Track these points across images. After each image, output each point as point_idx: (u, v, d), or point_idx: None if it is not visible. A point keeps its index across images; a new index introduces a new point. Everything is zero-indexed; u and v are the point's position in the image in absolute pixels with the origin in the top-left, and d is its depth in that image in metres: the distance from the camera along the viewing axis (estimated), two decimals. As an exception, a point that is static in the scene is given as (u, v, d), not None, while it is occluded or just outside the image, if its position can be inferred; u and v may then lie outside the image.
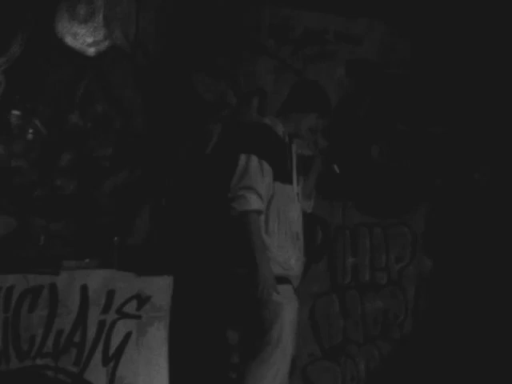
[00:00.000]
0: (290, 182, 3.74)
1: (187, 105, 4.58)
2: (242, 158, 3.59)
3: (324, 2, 4.70)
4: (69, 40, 4.39)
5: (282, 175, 3.68)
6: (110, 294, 3.81)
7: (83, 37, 4.41)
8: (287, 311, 3.56)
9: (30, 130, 4.30)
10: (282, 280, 3.58)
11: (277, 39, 4.77)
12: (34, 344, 3.67)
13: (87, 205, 4.35)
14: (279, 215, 3.64)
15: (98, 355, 3.77)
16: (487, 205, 5.09)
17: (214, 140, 4.65)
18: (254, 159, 3.57)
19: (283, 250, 3.63)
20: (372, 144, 4.98)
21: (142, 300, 3.86)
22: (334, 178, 4.01)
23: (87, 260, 4.03)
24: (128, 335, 3.83)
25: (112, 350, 3.80)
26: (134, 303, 3.84)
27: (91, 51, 4.43)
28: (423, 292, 5.12)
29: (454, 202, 5.14)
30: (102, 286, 3.80)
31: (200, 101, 4.60)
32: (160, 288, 3.91)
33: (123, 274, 3.87)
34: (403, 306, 5.09)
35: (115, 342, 3.80)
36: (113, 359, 3.79)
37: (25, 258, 3.87)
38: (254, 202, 3.50)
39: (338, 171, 3.92)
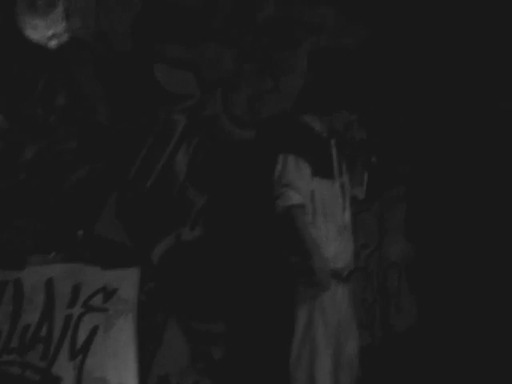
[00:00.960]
0: (331, 177, 3.88)
1: (150, 96, 4.56)
2: (281, 157, 3.81)
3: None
4: (29, 32, 4.34)
5: (321, 170, 3.83)
6: (76, 288, 3.79)
7: (43, 29, 4.36)
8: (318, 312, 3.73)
9: (-8, 125, 4.25)
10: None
11: (239, 28, 4.76)
12: (0, 340, 3.64)
13: (51, 199, 4.32)
14: (324, 209, 3.80)
15: (65, 349, 3.76)
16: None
17: (178, 131, 4.63)
18: (291, 158, 3.77)
19: (331, 243, 3.78)
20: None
21: (108, 293, 3.85)
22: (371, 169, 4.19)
23: (52, 254, 4.00)
24: (95, 329, 3.82)
25: (79, 344, 3.79)
26: (100, 296, 3.84)
27: (52, 44, 4.39)
28: (390, 277, 5.17)
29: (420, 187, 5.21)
30: (67, 279, 3.79)
31: (163, 92, 4.58)
32: (126, 280, 3.89)
33: (89, 267, 3.85)
34: (370, 292, 5.14)
35: (82, 335, 3.79)
36: (80, 353, 3.78)
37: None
38: (294, 197, 3.70)
39: (375, 162, 4.12)
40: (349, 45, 4.93)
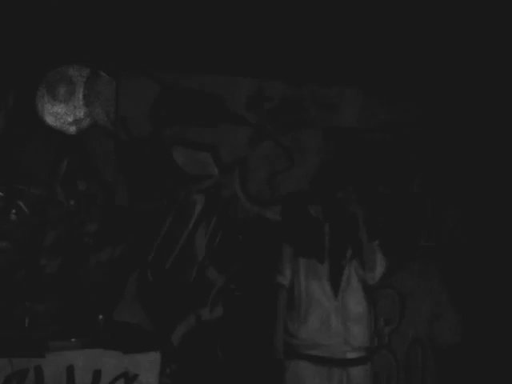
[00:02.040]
0: (321, 260, 3.96)
1: (169, 177, 4.62)
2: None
3: (299, 71, 4.77)
4: (49, 119, 4.44)
5: (312, 253, 3.96)
6: (97, 374, 3.74)
7: (64, 116, 4.47)
8: None
9: (13, 211, 4.30)
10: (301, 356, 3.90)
11: (254, 109, 4.84)
12: (21, 429, 3.60)
13: (72, 283, 4.34)
14: (308, 291, 3.96)
15: None
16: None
17: (197, 211, 4.67)
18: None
19: (312, 326, 3.91)
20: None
21: (129, 378, 3.80)
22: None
23: (73, 340, 3.97)
24: (117, 416, 3.77)
25: (101, 433, 3.73)
26: (121, 382, 3.79)
27: (72, 130, 4.48)
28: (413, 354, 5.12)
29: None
30: (88, 366, 3.74)
31: (181, 173, 4.64)
32: (147, 365, 3.85)
33: (109, 352, 3.81)
34: (394, 369, 5.07)
35: (104, 423, 3.74)
36: None
37: (10, 340, 3.82)
38: (278, 278, 4.05)
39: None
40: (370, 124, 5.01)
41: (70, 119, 4.48)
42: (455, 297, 5.19)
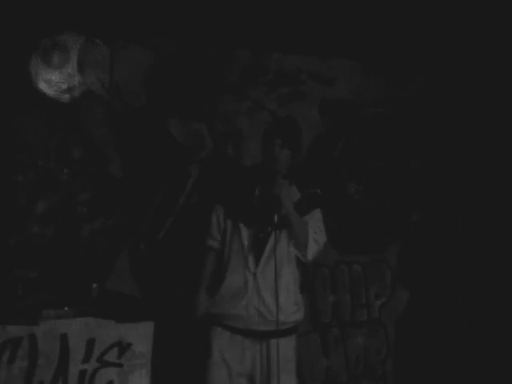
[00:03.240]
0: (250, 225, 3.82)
1: (163, 148, 4.59)
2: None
3: (296, 43, 4.74)
4: (43, 86, 4.39)
5: (242, 218, 3.83)
6: (91, 343, 3.75)
7: (58, 83, 4.41)
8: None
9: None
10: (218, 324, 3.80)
11: (251, 81, 4.81)
12: (15, 396, 3.61)
13: (65, 252, 4.32)
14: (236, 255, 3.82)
15: (79, 405, 3.71)
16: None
17: (191, 181, 4.66)
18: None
19: (237, 293, 3.78)
20: (348, 182, 5.01)
21: (122, 347, 3.81)
22: None
23: (66, 308, 3.98)
24: (110, 384, 3.79)
25: (94, 400, 3.74)
26: (114, 351, 3.79)
27: (66, 97, 4.44)
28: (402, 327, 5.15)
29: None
30: (81, 334, 3.74)
31: (176, 144, 4.61)
32: (141, 334, 3.86)
33: (103, 321, 3.81)
34: (384, 343, 5.10)
35: (97, 391, 3.75)
36: (95, 409, 3.74)
37: (3, 308, 3.81)
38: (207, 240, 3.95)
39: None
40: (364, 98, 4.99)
41: (64, 87, 4.43)
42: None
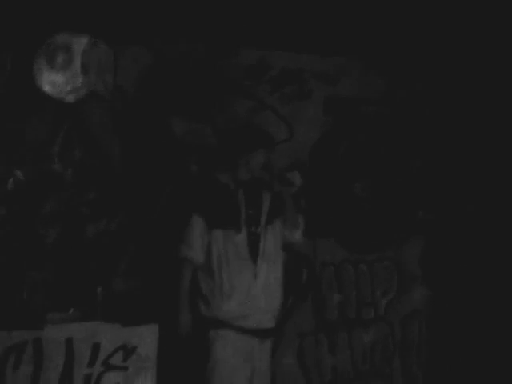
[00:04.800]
0: (238, 228, 3.88)
1: (166, 148, 4.58)
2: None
3: (299, 42, 4.71)
4: (47, 88, 4.38)
5: (225, 222, 3.86)
6: (96, 347, 3.75)
7: (62, 85, 4.41)
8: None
9: (10, 180, 4.27)
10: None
11: (254, 80, 4.79)
12: (21, 402, 3.62)
13: (70, 253, 4.32)
14: (227, 261, 3.86)
15: (85, 410, 3.72)
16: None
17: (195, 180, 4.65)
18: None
19: (233, 296, 3.83)
20: (354, 181, 5.00)
21: (128, 351, 3.82)
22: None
23: (71, 311, 3.99)
24: (115, 388, 3.79)
25: (100, 405, 3.75)
26: (120, 355, 3.80)
27: (70, 98, 4.43)
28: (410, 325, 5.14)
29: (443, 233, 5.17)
30: (86, 338, 3.75)
31: (179, 143, 4.60)
32: (146, 337, 3.87)
33: (108, 325, 3.82)
34: (390, 340, 5.10)
35: (103, 395, 3.76)
36: (101, 413, 3.75)
37: (8, 313, 3.82)
38: (183, 251, 3.92)
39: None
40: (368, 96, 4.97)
41: (67, 88, 4.42)
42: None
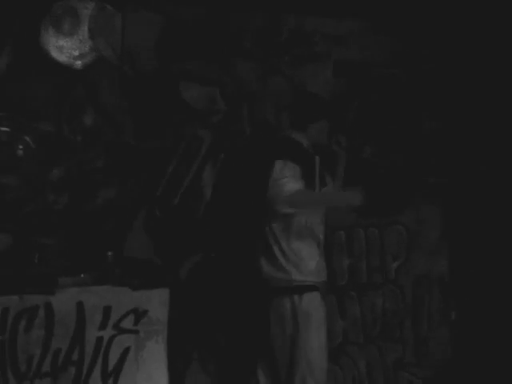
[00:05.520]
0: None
1: (176, 113, 4.56)
2: (278, 163, 3.86)
3: (309, 4, 4.66)
4: (55, 54, 4.35)
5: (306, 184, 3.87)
6: (107, 310, 3.78)
7: (69, 50, 4.38)
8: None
9: (20, 146, 4.27)
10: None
11: (264, 43, 4.75)
12: (32, 365, 3.63)
13: (80, 219, 4.33)
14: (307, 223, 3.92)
15: (97, 372, 3.75)
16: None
17: (205, 146, 4.63)
18: (289, 164, 3.87)
19: (313, 257, 3.93)
20: (364, 145, 4.97)
21: (139, 314, 3.84)
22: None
23: (82, 275, 4.01)
24: (126, 351, 3.81)
25: (111, 367, 3.77)
26: (131, 318, 3.82)
27: (78, 64, 4.40)
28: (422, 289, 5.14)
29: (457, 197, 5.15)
30: (97, 302, 3.78)
31: (189, 108, 4.58)
32: (157, 301, 3.88)
33: (119, 289, 3.84)
34: (401, 305, 5.10)
35: (114, 358, 3.78)
36: (112, 375, 3.77)
37: (20, 277, 3.84)
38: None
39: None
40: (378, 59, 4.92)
41: (75, 53, 4.39)
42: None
